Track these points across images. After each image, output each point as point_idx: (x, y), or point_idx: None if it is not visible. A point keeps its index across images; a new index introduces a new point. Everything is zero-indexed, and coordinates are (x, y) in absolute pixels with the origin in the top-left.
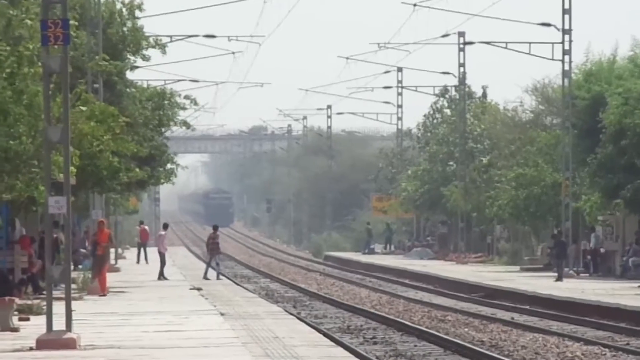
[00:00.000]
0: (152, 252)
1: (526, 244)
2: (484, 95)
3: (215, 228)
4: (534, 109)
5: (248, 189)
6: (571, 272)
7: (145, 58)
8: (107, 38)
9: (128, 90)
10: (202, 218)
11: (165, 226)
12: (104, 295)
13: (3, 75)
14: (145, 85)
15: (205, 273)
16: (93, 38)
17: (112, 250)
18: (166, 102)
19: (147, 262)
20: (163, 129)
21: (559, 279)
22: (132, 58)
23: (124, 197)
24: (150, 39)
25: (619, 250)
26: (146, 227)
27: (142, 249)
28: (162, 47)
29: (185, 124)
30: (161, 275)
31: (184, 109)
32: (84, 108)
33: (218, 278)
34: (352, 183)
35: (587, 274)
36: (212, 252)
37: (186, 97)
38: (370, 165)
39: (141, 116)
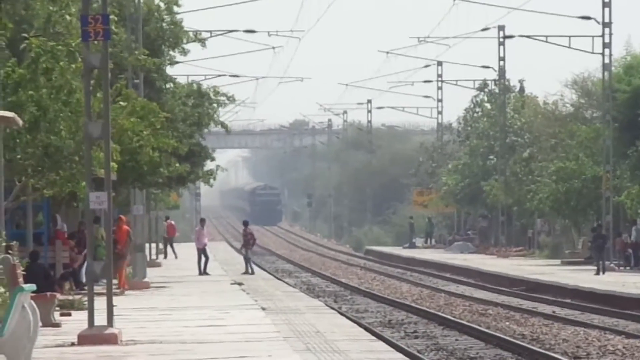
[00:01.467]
0: (190, 247)
1: (567, 237)
2: (522, 89)
3: (246, 224)
4: (574, 103)
5: (288, 184)
6: (612, 265)
7: (184, 52)
8: (145, 34)
9: (167, 86)
10: (248, 216)
11: (202, 221)
12: (125, 289)
13: (39, 71)
14: (185, 81)
15: (248, 268)
16: (132, 34)
17: (154, 245)
18: (206, 101)
19: (175, 257)
20: (202, 128)
21: (598, 272)
22: (172, 53)
23: (164, 192)
24: (190, 33)
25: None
26: (172, 222)
27: (169, 244)
28: (202, 41)
29: (223, 125)
30: (202, 271)
31: (223, 105)
32: (124, 104)
33: (251, 272)
34: (393, 177)
35: (628, 267)
36: (247, 245)
37: (224, 94)
38: (410, 159)
39: (181, 112)
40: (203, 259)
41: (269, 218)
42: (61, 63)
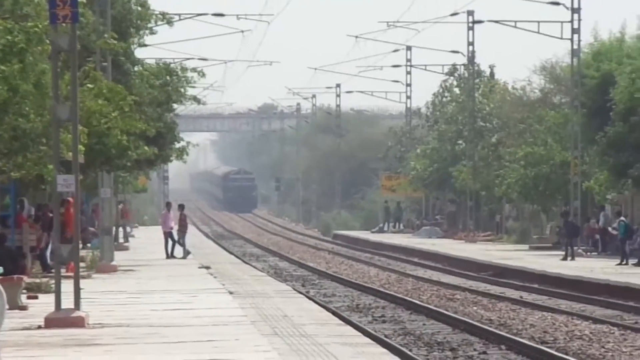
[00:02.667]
0: (157, 231)
1: (535, 222)
2: (492, 74)
3: (182, 207)
4: (543, 88)
5: (257, 168)
6: (580, 250)
7: (153, 32)
8: (112, 16)
9: (135, 68)
10: (220, 202)
11: (169, 205)
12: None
13: (14, 51)
14: (153, 63)
15: (172, 252)
16: (100, 16)
17: (121, 229)
18: (174, 77)
19: (126, 241)
20: (174, 105)
21: (565, 257)
22: (139, 34)
23: (132, 175)
24: (157, 14)
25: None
26: (125, 206)
27: (122, 228)
28: (169, 21)
29: (195, 99)
30: (170, 254)
31: (192, 84)
32: (91, 86)
33: (185, 257)
34: (361, 162)
35: (596, 253)
36: (181, 230)
37: (193, 69)
38: (379, 143)
39: (149, 95)
40: (170, 242)
41: (243, 205)
42: (33, 46)
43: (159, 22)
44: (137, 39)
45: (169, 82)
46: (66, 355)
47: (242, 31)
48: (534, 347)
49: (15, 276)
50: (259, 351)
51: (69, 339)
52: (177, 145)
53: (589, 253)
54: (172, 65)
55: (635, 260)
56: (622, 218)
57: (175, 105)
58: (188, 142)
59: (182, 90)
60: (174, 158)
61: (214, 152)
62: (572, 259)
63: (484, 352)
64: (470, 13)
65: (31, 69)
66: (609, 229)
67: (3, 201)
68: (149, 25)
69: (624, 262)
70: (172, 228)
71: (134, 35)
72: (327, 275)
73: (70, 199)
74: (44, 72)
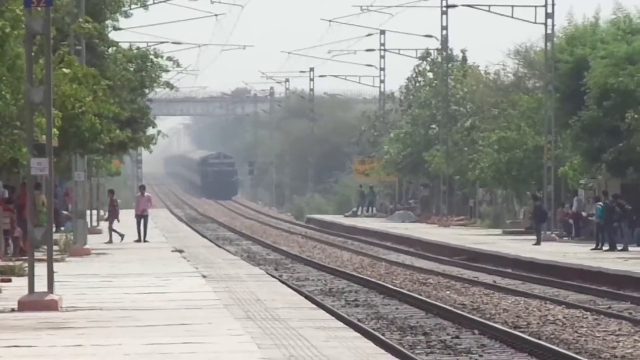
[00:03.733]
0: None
1: (508, 207)
2: (464, 58)
3: (112, 192)
4: (516, 72)
5: (230, 152)
6: (553, 235)
7: (127, 15)
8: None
9: (109, 51)
10: (197, 189)
11: (142, 188)
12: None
13: None
14: (127, 47)
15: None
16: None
17: (94, 212)
18: (149, 64)
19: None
20: (146, 91)
21: (538, 242)
22: (113, 17)
23: (106, 159)
24: None
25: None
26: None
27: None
28: (144, 4)
29: (168, 85)
30: (142, 238)
31: (166, 70)
32: (67, 70)
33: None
34: (335, 146)
35: (569, 238)
36: (112, 216)
37: (169, 58)
38: (352, 128)
39: (123, 78)
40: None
41: (223, 191)
42: (8, 29)
43: (133, 6)
44: (111, 21)
45: (142, 67)
46: (39, 338)
47: (216, 15)
48: (507, 331)
49: None
50: (232, 335)
51: (42, 322)
52: (148, 133)
53: (562, 238)
54: (146, 51)
55: (621, 247)
56: (599, 203)
57: (148, 90)
58: (159, 131)
59: (155, 75)
60: (143, 145)
61: (187, 135)
62: (538, 243)
63: (457, 337)
64: None
65: (7, 52)
66: (583, 213)
67: None
68: (124, 8)
69: (599, 247)
70: (144, 211)
71: (108, 18)
72: (300, 259)
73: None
74: (19, 55)
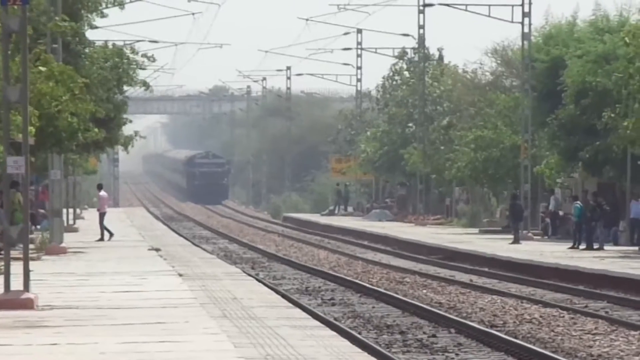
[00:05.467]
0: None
1: (485, 206)
2: (440, 57)
3: (100, 187)
4: (494, 71)
5: (207, 150)
6: (529, 234)
7: (104, 15)
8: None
9: (86, 50)
10: (183, 192)
11: (100, 186)
12: None
13: None
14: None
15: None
16: None
17: (71, 210)
18: (125, 60)
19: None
20: (124, 88)
21: (515, 241)
22: (90, 17)
23: (82, 157)
24: None
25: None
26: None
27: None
28: (121, 3)
29: (144, 84)
30: (109, 233)
31: (142, 68)
32: (43, 69)
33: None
34: (311, 144)
35: (546, 237)
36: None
37: (144, 55)
38: (329, 126)
39: (99, 77)
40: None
41: (213, 195)
42: None
43: (110, 5)
44: (87, 21)
45: (119, 64)
46: (15, 337)
47: (193, 13)
48: (484, 330)
49: None
50: (208, 333)
51: (18, 321)
52: (126, 133)
53: (539, 237)
54: (122, 48)
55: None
56: (578, 202)
57: (125, 88)
58: (136, 132)
59: (132, 73)
60: (120, 145)
61: (164, 134)
62: (515, 242)
63: (434, 335)
64: None
65: None
66: (560, 212)
67: None
68: (100, 7)
69: (576, 246)
70: (103, 208)
71: (84, 18)
72: (276, 257)
73: None
74: None
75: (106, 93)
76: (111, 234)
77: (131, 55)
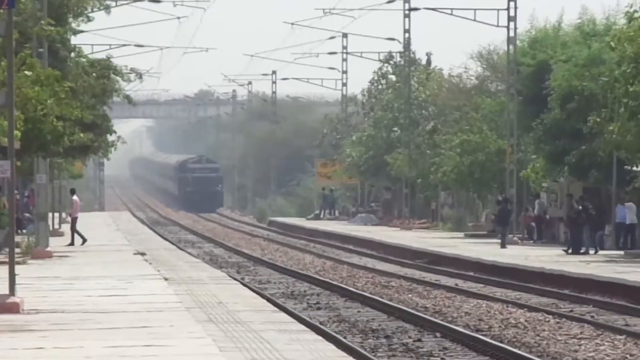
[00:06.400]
0: (91, 216)
1: (470, 210)
2: (428, 62)
3: (73, 191)
4: (479, 75)
5: (192, 154)
6: (515, 238)
7: (90, 19)
8: (49, 2)
9: (72, 55)
10: (175, 200)
11: (73, 191)
12: None
13: None
14: (89, 50)
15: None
16: (37, 2)
17: (57, 214)
18: (111, 71)
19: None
20: (106, 100)
21: (503, 245)
22: (76, 22)
23: (68, 161)
24: (95, 0)
25: (563, 217)
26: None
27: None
28: (106, 8)
29: (127, 98)
30: (82, 238)
31: (128, 81)
32: (29, 73)
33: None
34: (297, 148)
35: (532, 241)
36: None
37: (132, 69)
38: (314, 131)
39: (85, 83)
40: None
41: (206, 203)
42: None
43: (96, 10)
44: (74, 25)
45: (105, 74)
46: (1, 341)
47: (179, 17)
48: (469, 334)
49: None
50: (193, 337)
51: (3, 325)
52: (109, 138)
53: (524, 241)
54: (108, 61)
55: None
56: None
57: (108, 99)
58: (119, 137)
59: (117, 86)
60: (103, 152)
61: (150, 138)
62: (503, 246)
63: (419, 340)
64: (406, 0)
65: None
66: (547, 216)
67: None
68: (86, 12)
69: (569, 250)
70: (75, 213)
71: (70, 23)
72: (262, 262)
73: None
74: None
75: (91, 100)
76: (84, 240)
77: (118, 70)
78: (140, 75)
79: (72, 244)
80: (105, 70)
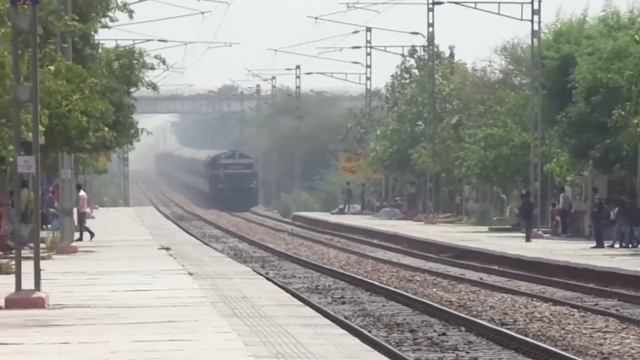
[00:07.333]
0: (115, 212)
1: (495, 204)
2: (451, 55)
3: (79, 187)
4: (503, 69)
5: (216, 149)
6: (540, 232)
7: (113, 20)
8: (74, 1)
9: (94, 53)
10: (206, 198)
11: (79, 187)
12: None
13: None
14: (113, 46)
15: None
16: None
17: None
18: (135, 62)
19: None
20: (131, 89)
21: (527, 239)
22: (100, 21)
23: (93, 156)
24: (118, 0)
25: (587, 210)
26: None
27: None
28: (130, 12)
29: (152, 85)
30: (90, 234)
31: (152, 68)
32: (52, 68)
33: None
34: (321, 143)
35: (556, 235)
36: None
37: (156, 56)
38: (338, 125)
39: (107, 83)
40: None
41: (240, 200)
42: None
43: (118, 10)
44: (97, 24)
45: (129, 65)
46: (26, 336)
47: (202, 12)
48: (494, 328)
49: None
50: (218, 332)
51: (29, 320)
52: (132, 131)
53: (549, 235)
54: (134, 49)
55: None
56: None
57: (132, 89)
58: (142, 129)
59: (140, 74)
60: (126, 143)
61: (174, 133)
62: (528, 240)
63: (444, 334)
64: None
65: None
66: (572, 210)
67: None
68: (109, 13)
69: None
70: (82, 208)
71: (94, 20)
72: (286, 256)
73: None
74: (2, 54)
75: (114, 96)
76: (92, 234)
77: (141, 59)
78: (164, 61)
79: (80, 239)
80: (129, 57)
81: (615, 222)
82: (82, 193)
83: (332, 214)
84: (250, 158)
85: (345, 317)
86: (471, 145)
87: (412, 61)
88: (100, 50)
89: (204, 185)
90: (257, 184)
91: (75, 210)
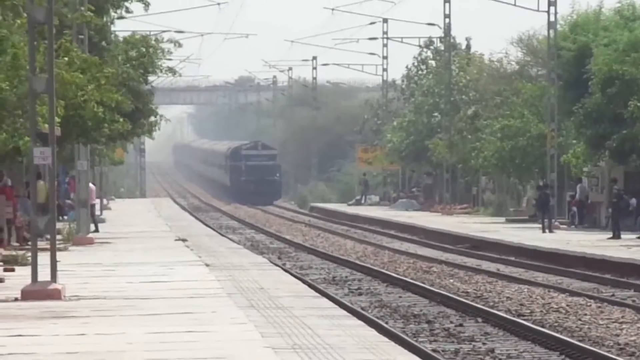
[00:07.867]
0: (133, 203)
1: (511, 195)
2: (468, 46)
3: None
4: (520, 60)
5: (234, 140)
6: (556, 223)
7: (129, 11)
8: None
9: (109, 47)
10: (226, 190)
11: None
12: None
13: None
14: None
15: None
16: None
17: (98, 201)
18: (150, 48)
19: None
20: (149, 77)
21: (544, 230)
22: (116, 12)
23: (109, 148)
24: None
25: (604, 201)
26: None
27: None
28: (146, 3)
29: (171, 70)
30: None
31: (169, 58)
32: (66, 58)
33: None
34: (338, 134)
35: (573, 225)
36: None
37: (170, 40)
38: (355, 116)
39: (124, 74)
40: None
41: (262, 194)
42: (9, 19)
43: (133, 1)
44: (112, 17)
45: (144, 53)
46: (42, 327)
47: (219, 3)
48: (511, 319)
49: None
50: (235, 323)
51: (45, 311)
52: (151, 119)
53: (566, 226)
54: (148, 37)
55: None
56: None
57: (150, 78)
58: (161, 116)
59: (158, 62)
60: (144, 133)
61: (191, 125)
62: (544, 231)
63: (461, 325)
64: None
65: (6, 41)
66: (589, 201)
67: None
68: (125, 4)
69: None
70: (92, 200)
71: (110, 12)
72: (303, 247)
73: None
74: (17, 45)
75: (135, 85)
76: (96, 229)
77: (157, 44)
78: (179, 44)
79: (97, 230)
80: (144, 46)
81: (633, 213)
82: (90, 185)
83: (349, 205)
84: (274, 149)
85: (362, 309)
86: (488, 136)
87: (428, 52)
88: (116, 42)
89: (224, 178)
90: (280, 176)
91: None
